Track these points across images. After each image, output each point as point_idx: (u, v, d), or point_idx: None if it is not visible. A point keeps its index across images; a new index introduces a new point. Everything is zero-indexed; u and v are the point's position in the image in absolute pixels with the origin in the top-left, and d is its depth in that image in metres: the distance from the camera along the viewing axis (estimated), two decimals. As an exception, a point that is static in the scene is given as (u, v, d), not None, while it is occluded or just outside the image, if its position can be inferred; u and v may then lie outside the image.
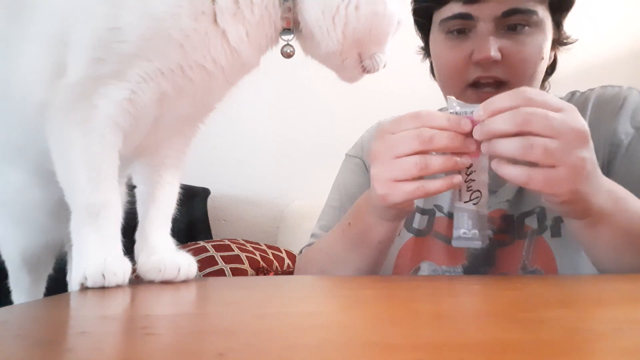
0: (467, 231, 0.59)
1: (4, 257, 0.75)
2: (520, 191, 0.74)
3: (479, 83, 0.72)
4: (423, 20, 0.79)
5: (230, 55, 0.56)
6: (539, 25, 0.71)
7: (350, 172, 0.89)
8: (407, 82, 1.84)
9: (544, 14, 0.71)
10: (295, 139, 1.99)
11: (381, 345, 0.29)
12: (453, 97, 0.59)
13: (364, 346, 0.28)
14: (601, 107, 0.74)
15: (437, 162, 0.55)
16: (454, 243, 0.59)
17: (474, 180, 0.58)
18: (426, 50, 0.84)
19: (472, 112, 0.56)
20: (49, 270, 0.78)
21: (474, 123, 0.55)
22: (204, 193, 1.88)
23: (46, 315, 0.42)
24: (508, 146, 0.52)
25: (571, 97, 0.80)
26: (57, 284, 0.78)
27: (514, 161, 0.53)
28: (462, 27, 0.72)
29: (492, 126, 0.53)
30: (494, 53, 0.68)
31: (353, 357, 0.26)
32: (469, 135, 0.55)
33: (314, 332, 0.33)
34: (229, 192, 2.00)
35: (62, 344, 0.31)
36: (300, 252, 0.86)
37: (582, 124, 0.52)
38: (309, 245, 0.85)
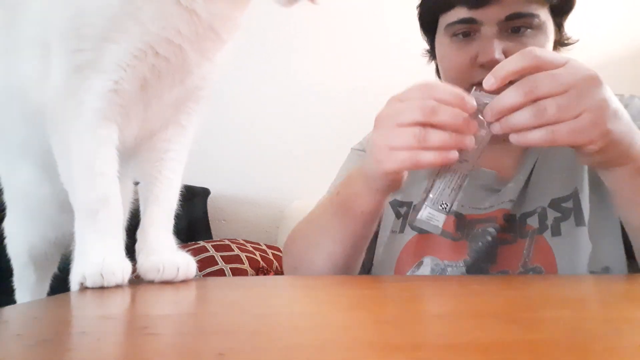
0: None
1: (11, 254, 0.76)
2: (524, 191, 0.75)
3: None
4: (429, 24, 0.80)
5: (190, 20, 0.54)
6: (540, 28, 0.72)
7: (352, 164, 0.90)
8: (407, 83, 1.84)
9: (545, 17, 0.73)
10: (295, 139, 1.99)
11: (381, 345, 0.29)
12: (475, 88, 0.59)
13: (364, 346, 0.28)
14: None
15: (436, 136, 0.54)
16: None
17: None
18: (432, 53, 0.85)
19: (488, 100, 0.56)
20: (54, 268, 0.78)
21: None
22: (204, 193, 1.88)
23: (46, 315, 0.42)
24: (521, 117, 0.52)
25: None
26: (61, 283, 0.79)
27: None
28: (467, 31, 0.73)
29: (501, 103, 0.53)
30: (498, 55, 0.69)
31: (353, 357, 0.26)
32: (474, 116, 0.55)
33: (314, 332, 0.33)
34: (229, 192, 2.00)
35: (62, 344, 0.31)
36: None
37: (589, 69, 0.52)
38: None
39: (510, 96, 0.52)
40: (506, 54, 0.70)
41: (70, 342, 0.32)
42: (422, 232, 0.79)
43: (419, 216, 0.59)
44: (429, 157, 0.55)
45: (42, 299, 0.74)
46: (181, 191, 0.65)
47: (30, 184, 0.69)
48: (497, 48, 0.70)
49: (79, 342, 0.32)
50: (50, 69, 0.54)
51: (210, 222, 1.90)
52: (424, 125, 0.55)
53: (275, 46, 2.00)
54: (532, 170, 0.76)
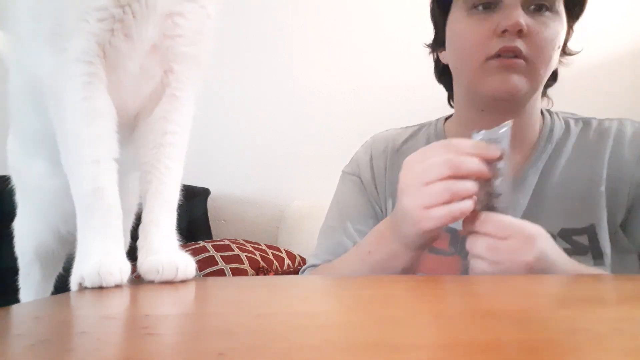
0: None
1: (19, 252, 0.76)
2: (526, 213, 0.75)
3: (500, 54, 0.72)
4: (444, 2, 0.79)
5: None
6: (558, 14, 0.73)
7: (348, 191, 0.88)
8: (406, 83, 1.84)
9: (562, 8, 0.73)
10: (295, 139, 1.99)
11: (381, 345, 0.29)
12: (475, 131, 0.60)
13: (364, 346, 0.28)
14: (621, 145, 0.75)
15: (467, 185, 0.56)
16: None
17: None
18: (437, 42, 0.84)
19: (498, 135, 0.58)
20: (59, 268, 0.78)
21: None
22: (204, 193, 1.88)
23: (46, 315, 0.42)
24: (475, 247, 0.60)
25: (584, 127, 0.81)
26: (65, 283, 0.79)
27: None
28: (489, 2, 0.72)
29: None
30: (523, 22, 0.69)
31: (353, 357, 0.26)
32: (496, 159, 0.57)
33: (314, 332, 0.32)
34: (229, 192, 2.00)
35: (62, 344, 0.31)
36: (303, 272, 0.85)
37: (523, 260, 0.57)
38: (313, 266, 0.84)
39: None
40: (527, 29, 0.70)
41: (70, 342, 0.32)
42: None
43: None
44: (465, 206, 0.57)
45: (43, 298, 0.74)
46: (181, 191, 0.63)
47: (43, 176, 0.68)
48: (522, 16, 0.69)
49: (79, 342, 0.32)
50: (34, 52, 0.54)
51: (210, 222, 1.90)
52: (451, 178, 0.57)
53: (275, 47, 2.00)
54: (531, 194, 0.76)
